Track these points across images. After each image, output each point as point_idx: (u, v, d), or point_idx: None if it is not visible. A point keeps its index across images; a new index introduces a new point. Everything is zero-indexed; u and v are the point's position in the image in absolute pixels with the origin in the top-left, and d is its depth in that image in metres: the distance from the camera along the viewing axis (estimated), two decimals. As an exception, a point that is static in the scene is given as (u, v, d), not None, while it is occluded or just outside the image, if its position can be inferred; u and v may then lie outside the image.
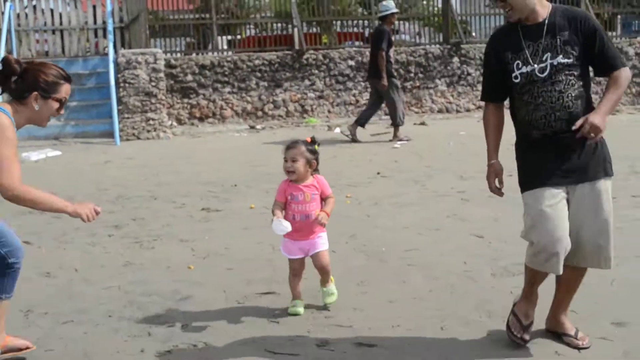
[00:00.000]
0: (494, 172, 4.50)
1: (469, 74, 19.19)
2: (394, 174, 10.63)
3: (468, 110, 19.15)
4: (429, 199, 8.79)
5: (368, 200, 8.69)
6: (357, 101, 18.56)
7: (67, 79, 4.29)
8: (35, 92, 4.14)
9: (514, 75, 4.23)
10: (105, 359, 4.50)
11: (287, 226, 4.79)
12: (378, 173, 10.63)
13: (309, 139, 5.05)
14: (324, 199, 5.04)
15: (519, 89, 4.26)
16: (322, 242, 5.06)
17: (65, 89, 4.26)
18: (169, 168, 11.55)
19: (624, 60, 4.28)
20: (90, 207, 4.26)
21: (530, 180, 4.29)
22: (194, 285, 5.77)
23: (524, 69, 4.19)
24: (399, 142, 13.62)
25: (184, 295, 5.53)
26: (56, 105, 4.24)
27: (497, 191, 4.55)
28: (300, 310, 5.03)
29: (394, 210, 8.22)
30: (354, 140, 13.88)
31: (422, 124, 16.81)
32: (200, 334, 4.81)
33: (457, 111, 19.08)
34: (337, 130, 15.68)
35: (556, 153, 4.20)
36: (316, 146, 5.06)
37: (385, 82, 13.36)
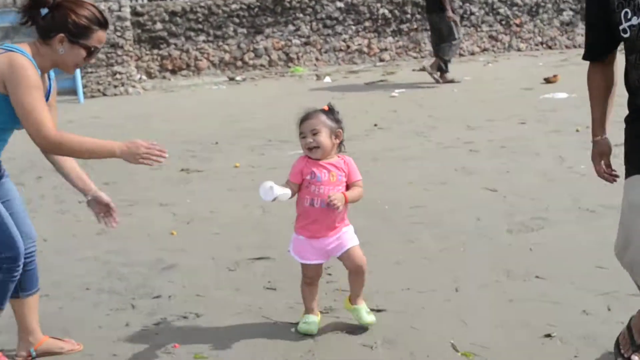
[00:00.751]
0: (599, 153, 3.82)
1: (472, 14, 19.15)
2: (394, 125, 10.68)
3: (472, 53, 19.15)
4: (433, 152, 8.86)
5: (366, 155, 8.70)
6: (348, 47, 18.53)
7: (103, 24, 3.94)
8: (62, 34, 3.84)
9: (621, 28, 3.46)
10: (86, 336, 4.52)
11: (279, 191, 4.09)
12: (375, 125, 10.67)
13: (326, 107, 4.36)
14: (349, 185, 4.33)
15: (628, 47, 3.53)
16: (349, 236, 4.35)
17: (97, 37, 3.93)
18: (140, 126, 11.53)
19: None
20: (146, 145, 3.88)
21: (631, 164, 3.61)
22: (178, 253, 5.83)
23: (634, 20, 3.41)
24: (447, 83, 14.16)
25: (169, 264, 5.59)
26: (84, 53, 3.93)
27: (607, 176, 3.79)
28: (314, 328, 4.36)
29: (395, 165, 8.28)
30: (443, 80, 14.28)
31: (422, 69, 16.81)
32: (190, 305, 4.86)
33: (461, 55, 19.07)
34: (327, 79, 15.69)
35: None
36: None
37: (450, 13, 13.76)
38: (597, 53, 3.75)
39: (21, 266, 3.95)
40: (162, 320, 4.66)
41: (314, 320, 4.36)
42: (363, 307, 4.36)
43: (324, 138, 4.17)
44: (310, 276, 4.39)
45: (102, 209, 4.44)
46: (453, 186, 7.29)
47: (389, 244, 5.74)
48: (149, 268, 5.53)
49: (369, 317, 4.36)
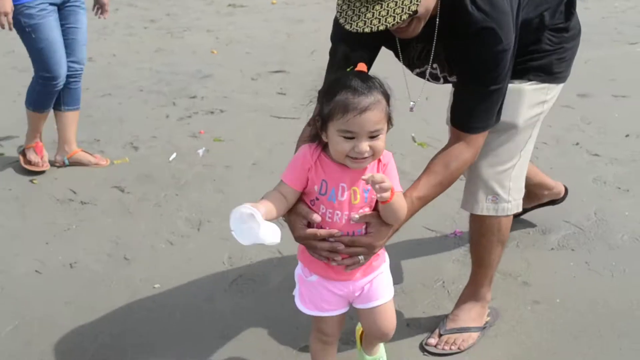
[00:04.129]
0: None
1: None
2: None
3: None
4: None
5: None
6: None
7: None
8: None
9: None
10: (136, 123, 4.80)
11: (266, 233, 1.79)
12: None
13: (363, 66, 1.92)
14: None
15: None
16: (384, 282, 2.13)
17: None
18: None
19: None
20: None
21: None
22: (215, 66, 6.00)
23: None
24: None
25: (206, 74, 5.78)
26: None
27: None
28: None
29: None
30: None
31: None
32: (217, 103, 5.10)
33: None
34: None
35: None
36: None
37: None
38: None
39: (59, 85, 3.96)
40: (194, 114, 4.91)
41: None
42: (377, 357, 2.36)
43: (383, 140, 1.89)
44: (327, 331, 2.22)
45: (99, 5, 4.27)
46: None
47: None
48: (190, 76, 5.73)
49: None
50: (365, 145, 1.84)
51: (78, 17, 4.07)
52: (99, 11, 4.27)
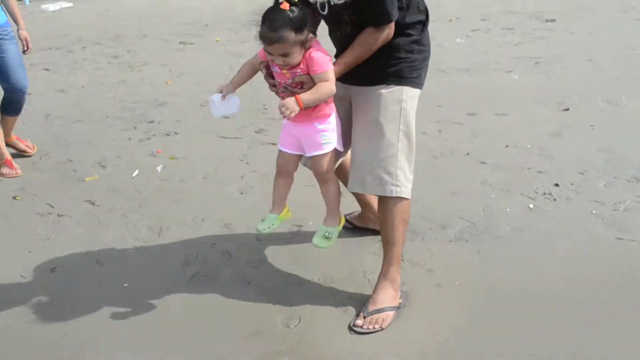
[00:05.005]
0: None
1: None
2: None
3: None
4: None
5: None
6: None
7: None
8: None
9: None
10: (103, 145, 4.70)
11: (224, 107, 2.40)
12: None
13: (285, 4, 2.21)
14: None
15: None
16: (319, 140, 2.43)
17: None
18: (156, 12, 11.30)
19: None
20: None
21: None
22: (169, 95, 5.90)
23: None
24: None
25: (162, 102, 5.69)
26: None
27: None
28: (266, 227, 2.58)
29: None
30: None
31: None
32: (172, 126, 5.02)
33: None
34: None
35: None
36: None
37: None
38: None
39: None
40: (152, 136, 4.82)
41: (272, 219, 2.60)
42: (323, 229, 2.54)
43: (297, 56, 2.25)
44: (279, 164, 2.56)
45: (23, 41, 4.21)
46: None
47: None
48: (149, 104, 5.62)
49: (320, 241, 2.54)
50: (279, 60, 2.25)
51: (3, 47, 3.98)
52: (26, 47, 4.21)
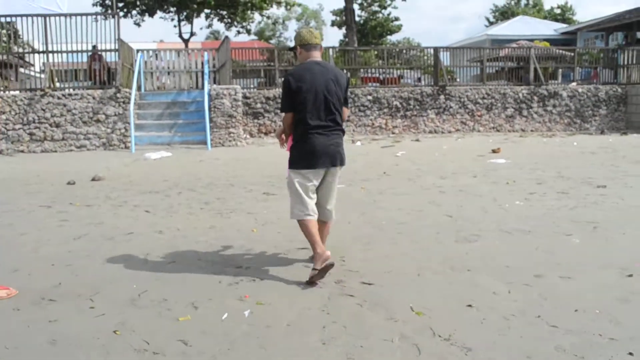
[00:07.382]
0: None
1: (451, 107, 19.18)
2: (395, 173, 10.75)
3: (449, 132, 19.15)
4: (417, 191, 8.90)
5: (376, 190, 8.83)
6: (372, 124, 18.67)
7: None
8: None
9: None
10: (193, 285, 4.70)
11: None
12: (384, 172, 10.75)
13: None
14: None
15: None
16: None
17: None
18: (242, 165, 11.78)
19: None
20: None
21: None
22: (255, 242, 5.95)
23: None
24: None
25: (248, 248, 5.72)
26: None
27: None
28: None
29: (392, 198, 8.34)
30: None
31: (417, 140, 16.84)
32: (257, 272, 4.98)
33: (442, 132, 19.10)
34: (358, 143, 15.82)
35: None
36: None
37: None
38: None
39: None
40: (240, 281, 4.77)
41: None
42: None
43: None
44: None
45: None
46: (425, 212, 7.31)
47: (382, 245, 5.78)
48: (236, 250, 5.66)
49: None
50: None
51: None
52: None
